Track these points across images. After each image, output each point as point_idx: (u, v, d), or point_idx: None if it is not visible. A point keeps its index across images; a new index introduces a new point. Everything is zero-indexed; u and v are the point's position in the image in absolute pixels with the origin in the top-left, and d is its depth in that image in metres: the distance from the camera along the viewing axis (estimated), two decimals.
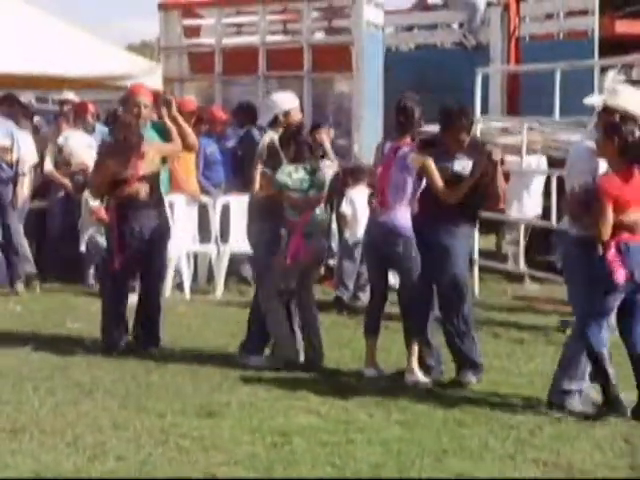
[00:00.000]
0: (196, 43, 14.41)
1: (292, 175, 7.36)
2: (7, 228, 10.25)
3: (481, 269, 10.75)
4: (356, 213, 10.05)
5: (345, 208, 10.12)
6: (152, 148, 7.84)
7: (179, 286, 10.42)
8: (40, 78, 11.38)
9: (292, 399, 6.51)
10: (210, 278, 10.75)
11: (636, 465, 5.39)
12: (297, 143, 7.46)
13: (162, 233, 7.92)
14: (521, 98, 12.38)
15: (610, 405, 6.26)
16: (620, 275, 6.21)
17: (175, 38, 13.95)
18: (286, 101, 7.82)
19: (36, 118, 12.08)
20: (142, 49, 25.98)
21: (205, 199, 10.83)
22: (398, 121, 7.13)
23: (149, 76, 12.25)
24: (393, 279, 7.64)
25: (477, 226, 7.64)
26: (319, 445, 5.58)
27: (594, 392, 6.52)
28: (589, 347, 6.31)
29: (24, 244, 10.36)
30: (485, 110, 11.47)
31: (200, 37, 14.60)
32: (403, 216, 7.02)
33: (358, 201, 9.99)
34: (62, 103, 11.63)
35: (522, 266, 10.87)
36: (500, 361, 7.49)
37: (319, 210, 7.48)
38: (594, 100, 6.81)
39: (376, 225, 7.14)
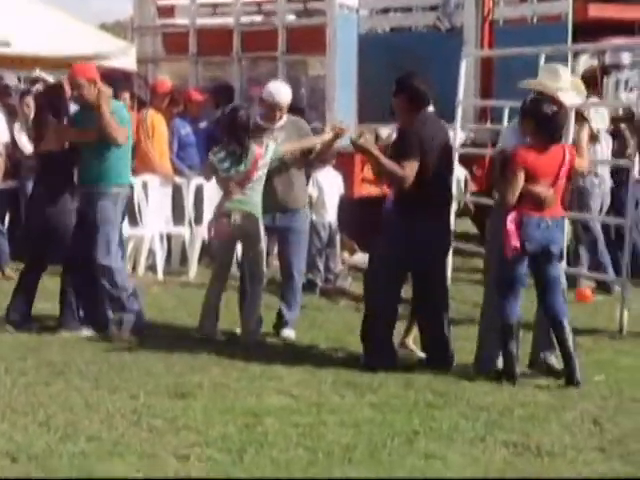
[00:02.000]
0: (170, 23, 14.33)
1: (217, 156, 7.66)
2: None
3: (460, 252, 10.76)
4: (322, 195, 10.05)
5: (311, 189, 10.14)
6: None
7: (152, 267, 10.40)
8: (11, 57, 11.29)
9: (264, 380, 6.53)
10: (183, 260, 10.74)
11: (604, 447, 5.45)
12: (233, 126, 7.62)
13: None
14: (494, 82, 12.40)
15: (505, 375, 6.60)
16: (509, 245, 6.49)
17: (149, 18, 13.87)
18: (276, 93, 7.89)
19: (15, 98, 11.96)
20: (115, 29, 25.82)
21: (179, 180, 10.80)
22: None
23: (122, 56, 12.20)
24: None
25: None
26: (291, 426, 5.60)
27: (554, 359, 6.80)
28: (501, 315, 6.65)
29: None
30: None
31: (174, 17, 14.53)
32: None
33: (325, 183, 10.02)
34: (33, 82, 11.54)
35: None
36: (472, 344, 7.52)
37: (249, 189, 7.58)
38: (524, 84, 7.07)
39: None
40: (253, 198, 7.64)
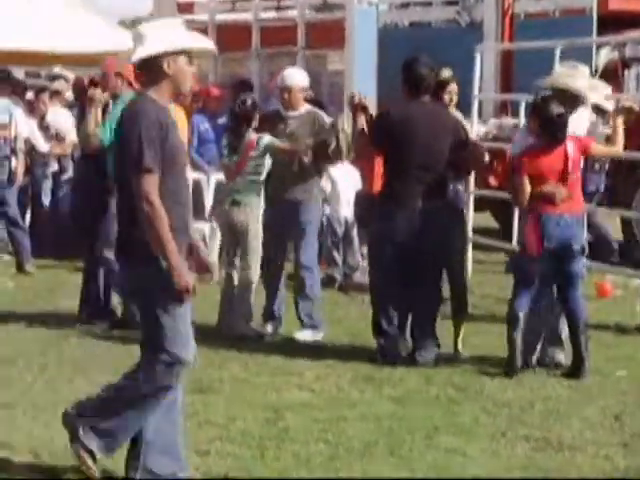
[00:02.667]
0: (189, 19, 14.35)
1: (222, 144, 7.89)
2: (6, 204, 10.19)
3: (479, 247, 10.73)
4: (337, 189, 10.03)
5: (324, 184, 10.12)
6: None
7: None
8: (30, 54, 11.34)
9: (285, 375, 6.53)
10: None
11: (626, 442, 5.43)
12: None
13: None
14: (515, 76, 12.36)
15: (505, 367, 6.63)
16: (530, 244, 6.62)
17: (168, 14, 13.89)
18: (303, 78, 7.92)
19: (29, 94, 12.02)
20: (135, 25, 25.84)
21: (198, 176, 10.81)
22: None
23: None
24: None
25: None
26: (312, 421, 5.61)
27: (562, 356, 6.81)
28: (510, 309, 6.72)
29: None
30: (479, 87, 11.45)
31: (193, 13, 14.56)
32: None
33: (339, 177, 10.01)
34: (53, 78, 11.59)
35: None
36: (492, 339, 7.50)
37: (241, 178, 7.67)
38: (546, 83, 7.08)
39: None
40: (246, 188, 7.66)
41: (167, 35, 4.46)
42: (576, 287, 6.70)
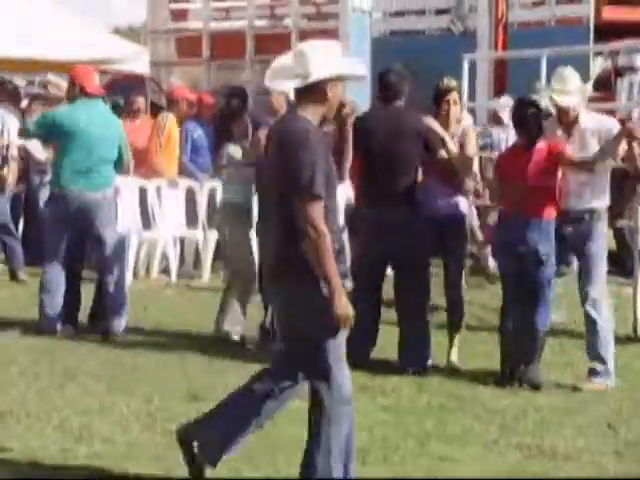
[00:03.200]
0: (183, 27, 14.39)
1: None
2: (0, 213, 10.19)
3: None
4: None
5: None
6: None
7: (166, 271, 10.42)
8: (25, 61, 11.33)
9: None
10: (197, 263, 10.76)
11: (619, 450, 5.44)
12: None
13: None
14: (508, 85, 12.39)
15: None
16: (492, 243, 7.02)
17: (162, 22, 13.93)
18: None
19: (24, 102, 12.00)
20: (129, 33, 25.89)
21: (192, 184, 10.81)
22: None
23: (136, 60, 12.23)
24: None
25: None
26: (305, 429, 5.59)
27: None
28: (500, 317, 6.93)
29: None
30: (472, 97, 11.48)
31: (187, 21, 14.58)
32: None
33: None
34: (44, 85, 11.57)
35: None
36: (485, 347, 7.51)
37: (222, 178, 8.03)
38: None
39: None
40: (229, 187, 7.87)
41: (332, 60, 4.49)
42: (534, 292, 6.59)
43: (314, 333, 4.45)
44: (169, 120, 10.83)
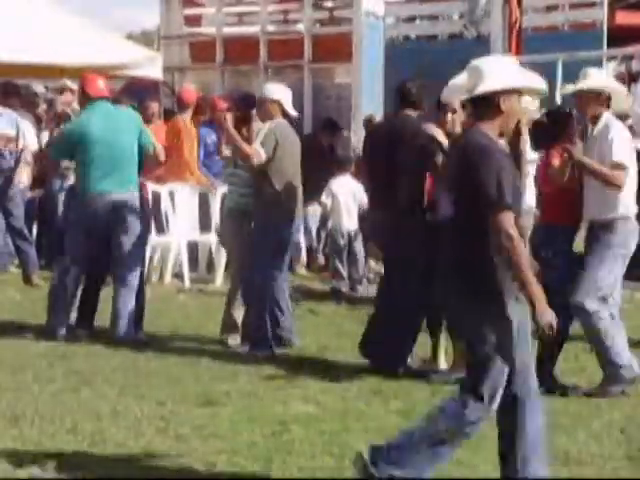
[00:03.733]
0: (197, 32, 14.42)
1: None
2: (13, 216, 10.22)
3: None
4: (338, 203, 10.09)
5: (325, 199, 10.18)
6: None
7: (179, 275, 10.44)
8: (39, 67, 11.38)
9: (291, 388, 6.54)
10: (210, 267, 10.78)
11: (632, 455, 5.42)
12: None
13: None
14: None
15: None
16: None
17: (176, 27, 13.96)
18: (276, 91, 7.85)
19: (42, 107, 12.05)
20: (143, 38, 25.97)
21: (206, 188, 10.83)
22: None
23: (149, 65, 12.26)
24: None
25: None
26: (317, 434, 5.61)
27: None
28: None
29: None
30: None
31: (201, 26, 14.61)
32: None
33: (340, 191, 10.06)
34: (61, 91, 11.62)
35: None
36: None
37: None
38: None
39: None
40: (232, 193, 7.94)
41: (505, 73, 4.56)
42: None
43: (508, 342, 4.47)
44: (189, 122, 10.90)
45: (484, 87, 4.50)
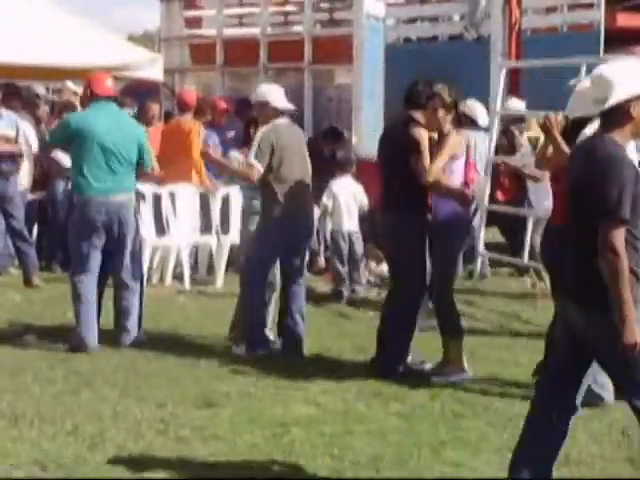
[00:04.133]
0: (197, 34, 14.42)
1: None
2: (13, 218, 10.23)
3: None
4: (339, 205, 10.08)
5: (325, 200, 10.17)
6: None
7: (179, 277, 10.43)
8: (40, 68, 11.38)
9: (291, 389, 6.53)
10: (210, 269, 10.77)
11: (633, 457, 5.42)
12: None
13: None
14: (523, 91, 12.38)
15: None
16: None
17: (176, 29, 13.98)
18: (263, 93, 7.82)
19: (44, 108, 12.03)
20: (143, 40, 25.98)
21: (206, 190, 10.83)
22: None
23: (150, 67, 12.26)
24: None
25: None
26: (318, 435, 5.61)
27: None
28: None
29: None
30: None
31: (201, 28, 14.62)
32: None
33: (341, 193, 10.06)
34: (60, 92, 11.64)
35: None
36: (498, 352, 7.50)
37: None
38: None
39: None
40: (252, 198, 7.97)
41: (632, 78, 4.46)
42: None
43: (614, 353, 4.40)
44: (197, 124, 10.90)
45: (616, 97, 4.39)
